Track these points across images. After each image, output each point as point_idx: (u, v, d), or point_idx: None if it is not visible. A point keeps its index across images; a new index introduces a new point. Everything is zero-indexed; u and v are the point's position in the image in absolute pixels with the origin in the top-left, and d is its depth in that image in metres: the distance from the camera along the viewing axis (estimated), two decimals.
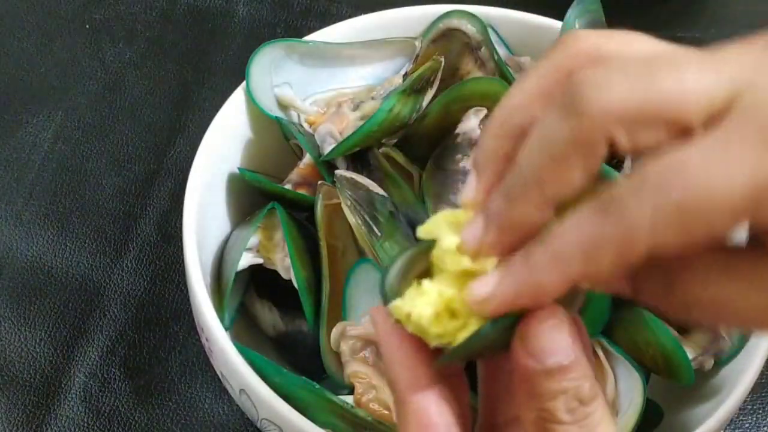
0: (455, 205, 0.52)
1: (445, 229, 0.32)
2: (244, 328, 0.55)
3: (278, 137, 0.58)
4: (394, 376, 0.32)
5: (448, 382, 0.33)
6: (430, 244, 0.32)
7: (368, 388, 0.50)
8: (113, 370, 0.59)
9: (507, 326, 0.30)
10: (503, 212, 0.30)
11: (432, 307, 0.31)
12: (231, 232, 0.56)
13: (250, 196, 0.57)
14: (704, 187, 0.26)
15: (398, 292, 0.32)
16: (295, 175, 0.57)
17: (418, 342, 0.32)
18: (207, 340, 0.50)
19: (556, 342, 0.30)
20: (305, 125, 0.58)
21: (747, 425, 0.59)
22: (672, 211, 0.27)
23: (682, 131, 0.28)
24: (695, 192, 0.26)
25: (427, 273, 0.32)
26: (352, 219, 0.52)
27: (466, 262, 0.31)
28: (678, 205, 0.27)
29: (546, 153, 0.29)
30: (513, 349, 0.30)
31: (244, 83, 0.56)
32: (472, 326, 0.30)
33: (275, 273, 0.53)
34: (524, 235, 0.30)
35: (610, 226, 0.28)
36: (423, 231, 0.32)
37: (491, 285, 0.30)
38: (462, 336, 0.31)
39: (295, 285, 0.52)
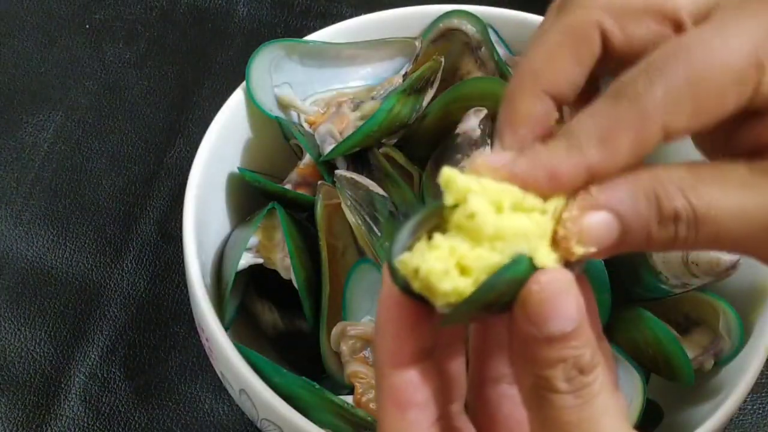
0: None
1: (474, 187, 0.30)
2: (244, 328, 0.55)
3: (278, 137, 0.58)
4: (379, 347, 0.31)
5: (440, 354, 0.32)
6: (441, 205, 0.30)
7: (368, 388, 0.50)
8: (113, 370, 0.59)
9: (517, 280, 0.29)
10: (507, 111, 0.30)
11: (442, 262, 0.29)
12: (231, 232, 0.56)
13: (250, 196, 0.57)
14: (710, 61, 0.28)
15: (408, 248, 0.30)
16: (295, 175, 0.57)
17: (413, 314, 0.31)
18: (207, 340, 0.50)
19: (559, 308, 0.29)
20: (305, 125, 0.58)
21: (747, 425, 0.59)
22: (682, 88, 0.28)
23: (673, 26, 0.29)
24: (702, 65, 0.28)
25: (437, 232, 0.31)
26: (352, 219, 0.52)
27: (491, 221, 0.29)
28: (687, 81, 0.27)
29: (541, 46, 0.30)
30: (514, 312, 0.29)
31: (244, 83, 0.56)
32: None
33: (275, 273, 0.53)
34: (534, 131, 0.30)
35: (624, 110, 0.28)
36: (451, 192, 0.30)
37: (508, 158, 0.29)
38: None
39: (295, 285, 0.52)
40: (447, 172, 0.30)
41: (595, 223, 0.29)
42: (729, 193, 0.30)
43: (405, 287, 0.30)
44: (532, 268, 0.29)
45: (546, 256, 0.30)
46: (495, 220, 0.29)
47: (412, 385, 0.31)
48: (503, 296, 0.29)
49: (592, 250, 0.30)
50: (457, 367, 0.33)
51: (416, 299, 0.30)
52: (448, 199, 0.30)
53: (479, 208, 0.29)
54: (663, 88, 0.28)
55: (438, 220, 0.31)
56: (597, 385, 0.30)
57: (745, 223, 0.30)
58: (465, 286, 0.29)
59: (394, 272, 0.30)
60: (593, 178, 0.30)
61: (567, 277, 0.29)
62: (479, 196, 0.30)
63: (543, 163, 0.29)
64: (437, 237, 0.30)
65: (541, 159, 0.29)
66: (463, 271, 0.29)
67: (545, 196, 0.30)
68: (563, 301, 0.29)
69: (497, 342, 0.33)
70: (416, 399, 0.31)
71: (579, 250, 0.30)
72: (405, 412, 0.31)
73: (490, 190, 0.30)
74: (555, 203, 0.30)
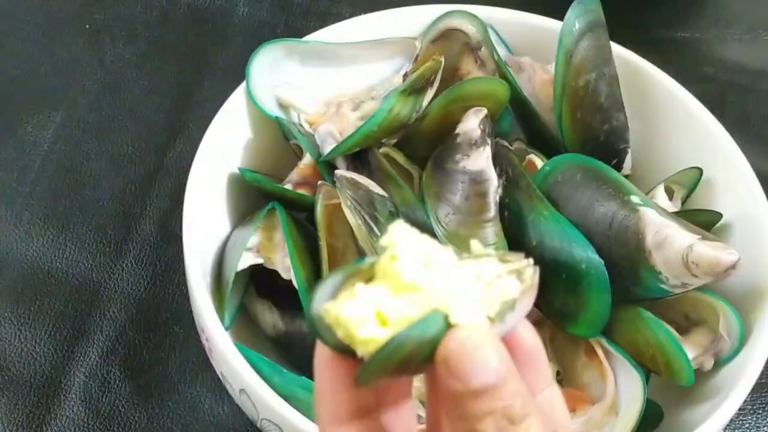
0: (455, 205, 0.52)
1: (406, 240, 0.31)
2: (244, 328, 0.55)
3: (278, 137, 0.58)
4: (317, 406, 0.31)
5: (386, 411, 0.32)
6: (372, 262, 0.31)
7: None
8: (113, 370, 0.59)
9: (430, 338, 0.29)
10: None
11: (361, 311, 0.29)
12: (231, 232, 0.56)
13: (250, 196, 0.57)
14: None
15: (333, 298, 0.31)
16: (295, 175, 0.57)
17: (346, 371, 0.31)
18: (207, 340, 0.50)
19: (479, 361, 0.29)
20: (305, 125, 0.58)
21: (747, 425, 0.59)
22: None
23: None
24: None
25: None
26: (352, 219, 0.52)
27: (410, 268, 0.30)
28: None
29: None
30: (435, 369, 0.29)
31: (244, 83, 0.56)
32: None
33: (275, 273, 0.53)
34: None
35: None
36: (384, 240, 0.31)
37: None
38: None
39: (295, 285, 0.52)
40: (392, 227, 0.31)
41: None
42: None
43: (330, 340, 0.30)
44: (448, 325, 0.29)
45: (466, 314, 0.30)
46: (415, 270, 0.30)
47: None
48: (417, 354, 0.29)
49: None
50: (405, 423, 0.33)
51: (344, 353, 0.30)
52: (383, 240, 0.31)
53: (402, 254, 0.30)
54: None
55: (368, 276, 0.31)
56: None
57: None
58: (383, 336, 0.29)
59: (313, 324, 0.30)
60: None
61: (483, 331, 0.29)
62: (407, 245, 0.30)
63: None
64: (358, 286, 0.30)
65: None
66: (383, 322, 0.30)
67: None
68: (483, 354, 0.29)
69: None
70: None
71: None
72: None
73: (424, 246, 0.30)
74: (487, 266, 0.31)
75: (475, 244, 0.32)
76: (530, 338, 0.32)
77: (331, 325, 0.30)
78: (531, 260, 0.32)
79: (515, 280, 0.31)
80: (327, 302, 0.30)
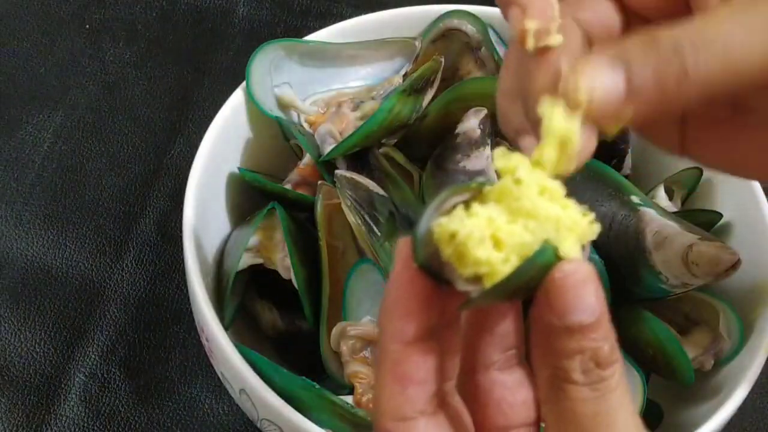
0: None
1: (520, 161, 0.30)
2: (244, 328, 0.55)
3: (278, 137, 0.58)
4: (386, 323, 0.31)
5: (441, 335, 0.32)
6: (480, 185, 0.31)
7: (368, 388, 0.50)
8: (113, 370, 0.59)
9: (543, 267, 0.29)
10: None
11: (480, 230, 0.29)
12: (231, 232, 0.56)
13: (250, 196, 0.57)
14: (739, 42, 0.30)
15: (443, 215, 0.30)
16: (295, 175, 0.57)
17: (425, 293, 0.31)
18: (207, 340, 0.50)
19: (579, 298, 0.29)
20: (305, 125, 0.58)
21: (747, 425, 0.59)
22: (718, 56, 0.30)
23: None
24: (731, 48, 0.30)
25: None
26: (352, 219, 0.52)
27: (533, 195, 0.30)
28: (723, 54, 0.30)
29: None
30: (535, 301, 0.30)
31: (244, 83, 0.56)
32: (513, 263, 0.29)
33: (275, 273, 0.53)
34: None
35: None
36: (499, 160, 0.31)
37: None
38: (503, 269, 0.29)
39: (295, 285, 0.52)
40: (501, 151, 0.30)
41: (598, 67, 0.30)
42: (726, 17, 0.31)
43: (425, 263, 0.30)
44: (557, 258, 0.29)
45: (571, 249, 0.30)
46: (535, 198, 0.30)
47: (415, 362, 0.31)
48: (529, 282, 0.30)
49: (599, 94, 0.30)
50: (454, 345, 0.33)
51: (433, 277, 0.30)
52: (498, 163, 0.30)
53: (527, 177, 0.30)
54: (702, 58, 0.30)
55: (473, 196, 0.31)
56: (614, 381, 0.30)
57: (751, 39, 0.30)
58: (497, 258, 0.29)
59: (418, 238, 0.30)
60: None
61: (588, 269, 0.29)
62: (528, 170, 0.30)
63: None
64: (476, 206, 0.30)
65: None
66: (497, 244, 0.29)
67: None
68: (584, 292, 0.29)
69: (488, 329, 0.33)
70: (417, 376, 0.31)
71: (582, 97, 0.30)
72: (405, 387, 0.31)
73: (538, 175, 0.30)
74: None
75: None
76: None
77: (440, 242, 0.30)
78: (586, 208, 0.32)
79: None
80: (441, 218, 0.30)
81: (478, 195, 0.31)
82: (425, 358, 0.31)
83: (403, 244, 0.31)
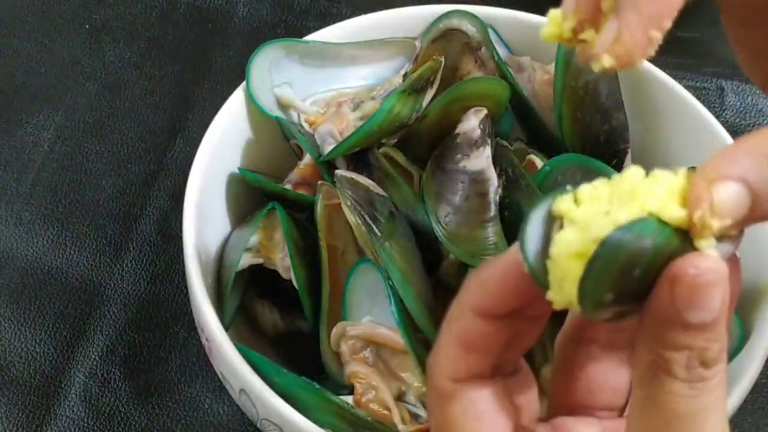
0: (455, 205, 0.52)
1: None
2: (244, 328, 0.55)
3: (278, 137, 0.58)
4: (473, 290, 0.31)
5: (519, 324, 0.31)
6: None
7: (368, 388, 0.50)
8: (113, 370, 0.59)
9: (665, 252, 0.28)
10: None
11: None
12: (231, 232, 0.56)
13: (250, 196, 0.57)
14: None
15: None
16: (295, 175, 0.57)
17: (525, 285, 0.30)
18: (207, 340, 0.50)
19: (707, 299, 0.28)
20: (305, 125, 0.58)
21: (747, 425, 0.59)
22: None
23: None
24: None
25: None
26: (352, 219, 0.52)
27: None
28: None
29: None
30: (658, 288, 0.28)
31: (244, 83, 0.56)
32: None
33: (275, 273, 0.53)
34: None
35: None
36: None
37: None
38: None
39: (295, 285, 0.52)
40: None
41: (726, 195, 0.29)
42: None
43: (536, 275, 0.30)
44: (684, 240, 0.28)
45: (705, 242, 0.29)
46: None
47: (486, 334, 0.31)
48: (650, 267, 0.28)
49: (728, 222, 0.29)
50: (527, 340, 0.33)
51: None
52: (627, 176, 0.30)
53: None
54: None
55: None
56: (714, 382, 0.29)
57: None
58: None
59: (534, 268, 0.30)
60: None
61: (723, 269, 0.29)
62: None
63: None
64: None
65: None
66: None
67: None
68: (713, 293, 0.28)
69: (586, 373, 0.33)
70: (482, 347, 0.31)
71: (716, 224, 0.29)
72: (468, 353, 0.31)
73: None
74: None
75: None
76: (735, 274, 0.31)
77: (560, 216, 0.29)
78: None
79: None
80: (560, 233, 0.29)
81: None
82: (496, 334, 0.31)
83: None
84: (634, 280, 0.29)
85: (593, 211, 0.29)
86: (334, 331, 0.51)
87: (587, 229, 0.29)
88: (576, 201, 0.30)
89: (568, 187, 0.30)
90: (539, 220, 0.30)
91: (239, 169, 0.57)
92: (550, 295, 0.29)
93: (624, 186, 0.29)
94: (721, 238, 0.30)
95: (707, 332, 0.29)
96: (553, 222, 0.30)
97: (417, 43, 0.59)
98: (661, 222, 0.28)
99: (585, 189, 0.30)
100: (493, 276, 0.31)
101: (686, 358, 0.29)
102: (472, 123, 0.53)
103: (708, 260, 0.28)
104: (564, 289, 0.29)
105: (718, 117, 0.58)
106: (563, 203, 0.30)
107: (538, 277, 0.29)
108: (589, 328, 0.33)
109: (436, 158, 0.55)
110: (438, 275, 0.53)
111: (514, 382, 0.33)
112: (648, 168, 0.30)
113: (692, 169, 0.30)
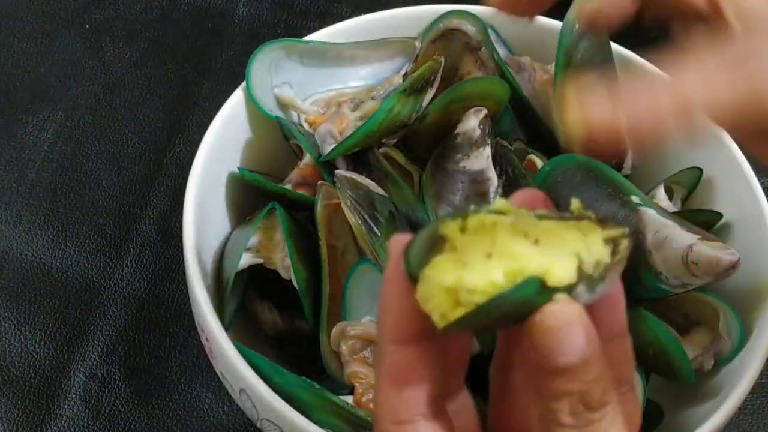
0: (455, 205, 0.52)
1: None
2: (244, 328, 0.55)
3: (278, 137, 0.58)
4: (382, 323, 0.31)
5: (442, 345, 0.31)
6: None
7: (368, 388, 0.50)
8: (113, 370, 0.59)
9: (525, 302, 0.28)
10: None
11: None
12: (231, 232, 0.56)
13: (250, 196, 0.57)
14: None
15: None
16: (295, 175, 0.57)
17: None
18: (207, 340, 0.50)
19: (565, 341, 0.28)
20: (305, 125, 0.58)
21: (747, 425, 0.59)
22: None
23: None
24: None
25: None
26: (352, 219, 0.52)
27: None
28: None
29: None
30: (525, 341, 0.29)
31: (244, 83, 0.56)
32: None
33: (275, 273, 0.53)
34: None
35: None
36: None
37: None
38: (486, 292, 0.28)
39: (295, 285, 0.52)
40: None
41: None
42: None
43: (412, 275, 0.30)
44: (545, 289, 0.28)
45: (563, 277, 0.29)
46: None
47: (412, 363, 0.30)
48: (510, 315, 0.29)
49: None
50: (462, 349, 0.32)
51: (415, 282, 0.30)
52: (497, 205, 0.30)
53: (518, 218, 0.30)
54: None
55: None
56: (605, 422, 0.29)
57: None
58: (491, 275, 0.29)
59: (407, 261, 0.30)
60: None
61: (575, 309, 0.28)
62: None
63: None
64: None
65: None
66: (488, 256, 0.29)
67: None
68: (569, 334, 0.28)
69: (521, 389, 0.33)
70: (414, 377, 0.30)
71: None
72: (402, 390, 0.30)
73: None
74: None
75: (575, 203, 0.31)
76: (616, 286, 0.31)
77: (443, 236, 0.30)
78: (627, 229, 0.31)
79: (609, 248, 0.30)
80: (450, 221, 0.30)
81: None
82: (423, 360, 0.30)
83: (395, 243, 0.30)
84: (498, 323, 0.30)
85: (475, 249, 0.29)
86: (334, 331, 0.51)
87: (464, 268, 0.29)
88: (462, 229, 0.30)
89: (472, 207, 0.31)
90: (428, 234, 0.30)
91: (239, 169, 0.57)
92: (417, 295, 0.30)
93: (505, 221, 0.30)
94: (590, 280, 0.29)
95: (580, 374, 0.28)
96: (437, 241, 0.30)
97: (417, 43, 0.59)
98: (539, 284, 0.28)
99: (473, 217, 0.30)
100: (390, 296, 0.31)
101: (568, 405, 0.28)
102: (472, 123, 0.53)
103: (554, 304, 0.28)
104: (429, 303, 0.29)
105: None
106: (449, 228, 0.30)
107: (411, 276, 0.30)
108: (518, 352, 0.33)
109: (436, 158, 0.55)
110: None
111: (454, 411, 0.33)
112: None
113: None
